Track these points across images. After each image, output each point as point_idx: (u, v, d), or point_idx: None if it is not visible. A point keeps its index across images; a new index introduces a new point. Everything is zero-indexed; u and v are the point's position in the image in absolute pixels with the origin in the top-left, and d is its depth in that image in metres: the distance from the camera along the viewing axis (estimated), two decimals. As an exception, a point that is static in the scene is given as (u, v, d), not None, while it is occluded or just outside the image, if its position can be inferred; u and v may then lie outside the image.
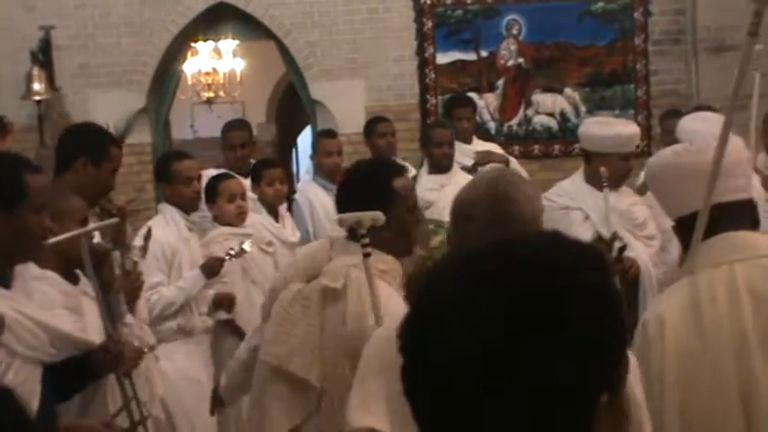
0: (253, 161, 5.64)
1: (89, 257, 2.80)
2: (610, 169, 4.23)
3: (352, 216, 2.65)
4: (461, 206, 2.08)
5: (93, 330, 2.79)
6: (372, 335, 2.19)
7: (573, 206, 4.39)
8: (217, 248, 4.53)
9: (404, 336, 0.98)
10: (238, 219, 4.71)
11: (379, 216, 2.61)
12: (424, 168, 5.61)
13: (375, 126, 6.18)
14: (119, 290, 3.15)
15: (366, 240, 2.64)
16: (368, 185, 2.79)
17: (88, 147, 3.66)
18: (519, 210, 2.01)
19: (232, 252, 4.38)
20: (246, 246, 4.41)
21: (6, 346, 2.43)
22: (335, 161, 5.78)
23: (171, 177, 4.51)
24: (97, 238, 3.10)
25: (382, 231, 2.63)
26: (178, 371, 3.99)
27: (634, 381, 1.74)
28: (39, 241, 2.56)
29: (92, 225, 3.15)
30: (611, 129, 4.40)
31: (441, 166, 5.45)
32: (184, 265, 4.38)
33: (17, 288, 2.56)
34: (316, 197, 5.70)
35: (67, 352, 2.64)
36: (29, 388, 2.46)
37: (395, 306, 2.51)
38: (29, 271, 2.61)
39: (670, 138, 5.98)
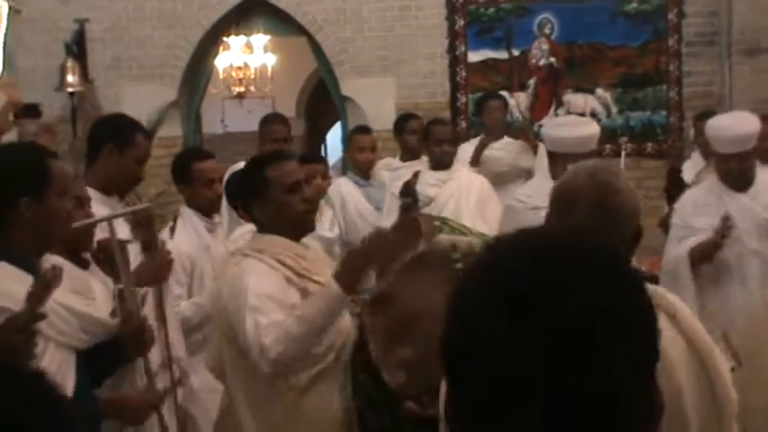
0: None
1: (117, 242, 2.89)
2: None
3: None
4: (564, 192, 2.06)
5: (103, 314, 2.82)
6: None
7: (543, 206, 4.37)
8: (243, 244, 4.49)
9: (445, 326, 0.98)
10: None
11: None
12: (425, 164, 5.55)
13: (406, 123, 6.18)
14: (150, 280, 3.21)
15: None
16: (245, 176, 3.26)
17: (114, 134, 3.66)
18: (623, 200, 2.01)
19: None
20: None
21: (39, 331, 2.46)
22: (368, 157, 5.82)
23: (191, 178, 4.19)
24: (121, 234, 3.14)
25: (261, 216, 3.14)
26: (204, 383, 3.79)
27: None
28: (65, 226, 2.61)
29: (120, 210, 3.19)
30: (571, 131, 4.40)
31: (442, 163, 5.40)
32: (205, 276, 4.08)
33: None
34: (348, 192, 5.72)
35: (97, 337, 2.67)
36: (63, 374, 2.49)
37: (250, 279, 2.94)
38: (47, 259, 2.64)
39: (704, 139, 5.94)
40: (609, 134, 7.70)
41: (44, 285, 2.32)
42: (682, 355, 1.91)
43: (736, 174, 4.28)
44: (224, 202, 4.59)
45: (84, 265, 2.96)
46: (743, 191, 4.31)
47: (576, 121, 4.72)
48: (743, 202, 4.28)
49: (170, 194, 7.18)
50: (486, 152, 6.22)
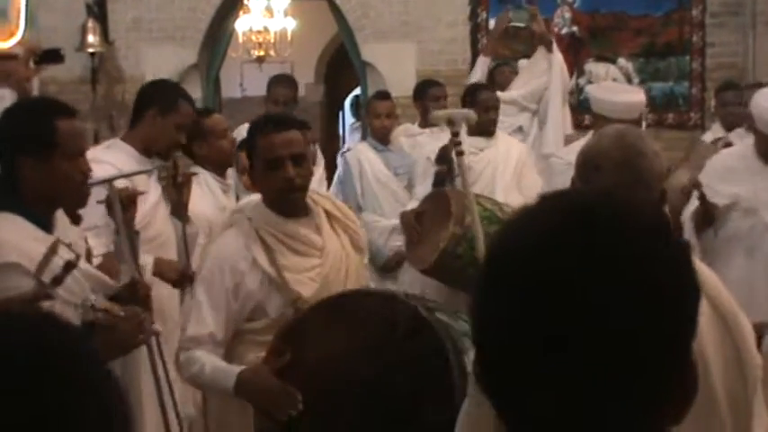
0: None
1: (117, 200, 2.93)
2: None
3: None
4: (590, 156, 2.08)
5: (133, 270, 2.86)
6: None
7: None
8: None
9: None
10: None
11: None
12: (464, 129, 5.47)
13: (428, 90, 6.14)
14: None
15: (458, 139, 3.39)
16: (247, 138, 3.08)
17: (159, 98, 3.71)
18: (649, 164, 2.04)
19: None
20: None
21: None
22: (384, 123, 5.79)
23: (205, 133, 4.27)
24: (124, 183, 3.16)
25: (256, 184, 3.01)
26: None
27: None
28: (77, 186, 2.60)
29: (128, 170, 3.20)
30: (620, 96, 4.48)
31: (487, 130, 5.23)
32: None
33: (58, 233, 2.61)
34: (366, 157, 5.72)
35: (105, 292, 2.68)
36: None
37: (205, 267, 2.87)
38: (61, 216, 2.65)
39: (725, 111, 5.91)
40: (630, 104, 7.65)
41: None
42: (707, 320, 1.91)
43: None
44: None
45: (77, 221, 2.97)
46: None
47: (625, 88, 4.73)
48: None
49: (187, 158, 7.21)
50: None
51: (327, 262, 2.80)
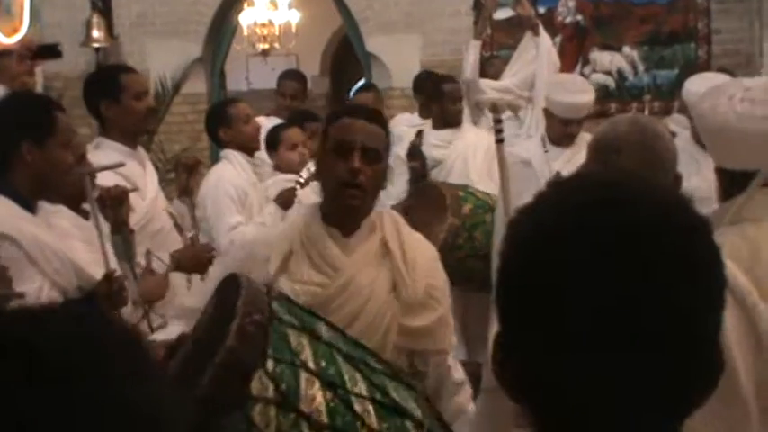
0: None
1: (92, 193, 2.90)
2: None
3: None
4: (608, 140, 2.11)
5: (93, 267, 2.83)
6: None
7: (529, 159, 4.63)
8: (275, 192, 4.52)
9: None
10: (300, 166, 4.73)
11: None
12: (428, 124, 5.36)
13: (443, 86, 6.13)
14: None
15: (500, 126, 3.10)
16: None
17: (101, 89, 3.64)
18: (666, 145, 2.09)
19: (302, 180, 4.36)
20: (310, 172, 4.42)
21: (39, 265, 2.51)
22: None
23: (230, 120, 4.50)
24: (118, 182, 3.16)
25: None
26: None
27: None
28: (63, 176, 2.69)
29: (106, 164, 3.18)
30: (567, 97, 4.54)
31: (455, 121, 5.23)
32: (255, 208, 4.35)
33: (41, 217, 2.69)
34: None
35: (83, 286, 2.71)
36: None
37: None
38: (43, 206, 2.70)
39: None
40: (635, 93, 7.65)
41: None
42: (727, 307, 1.93)
43: None
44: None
45: (85, 216, 2.98)
46: None
47: (575, 87, 4.70)
48: None
49: (194, 150, 7.22)
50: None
51: (335, 285, 2.36)
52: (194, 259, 3.55)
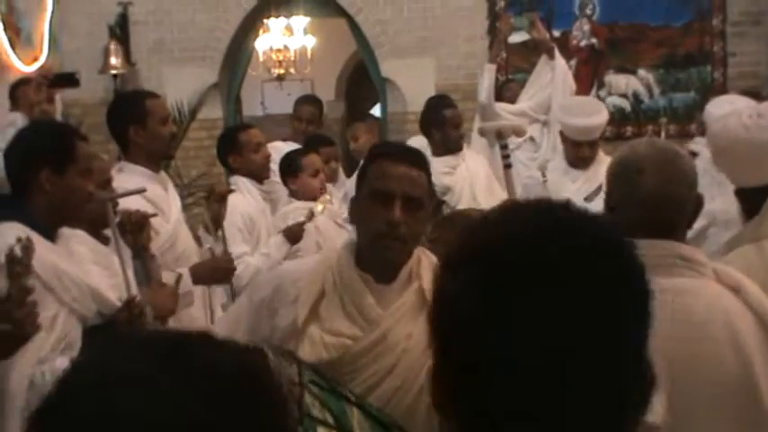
0: None
1: (114, 219, 2.93)
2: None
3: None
4: (630, 161, 2.10)
5: (112, 293, 2.84)
6: None
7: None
8: (293, 220, 4.53)
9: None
10: (320, 192, 4.71)
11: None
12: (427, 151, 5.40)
13: (443, 111, 6.15)
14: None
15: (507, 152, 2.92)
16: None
17: (128, 115, 3.66)
18: (687, 163, 2.08)
19: (316, 212, 4.35)
20: (320, 207, 4.40)
21: (56, 293, 2.52)
22: (359, 145, 5.89)
23: (240, 147, 4.45)
24: (136, 205, 3.18)
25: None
26: None
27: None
28: (83, 203, 2.70)
29: (125, 190, 3.20)
30: (578, 120, 4.59)
31: (456, 146, 5.19)
32: (263, 236, 4.33)
33: (61, 245, 2.70)
34: None
35: (103, 312, 2.71)
36: (71, 341, 2.55)
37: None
38: (63, 231, 2.71)
39: None
40: (651, 115, 7.65)
41: (18, 259, 2.33)
42: (750, 328, 1.94)
43: None
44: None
45: (105, 242, 3.00)
46: None
47: (584, 110, 4.72)
48: None
49: (210, 176, 7.25)
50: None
51: (369, 339, 2.20)
52: (213, 271, 3.58)
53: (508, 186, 3.38)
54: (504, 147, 3.47)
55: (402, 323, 2.20)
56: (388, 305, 2.23)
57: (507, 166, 3.37)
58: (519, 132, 4.38)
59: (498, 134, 3.89)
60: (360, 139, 5.92)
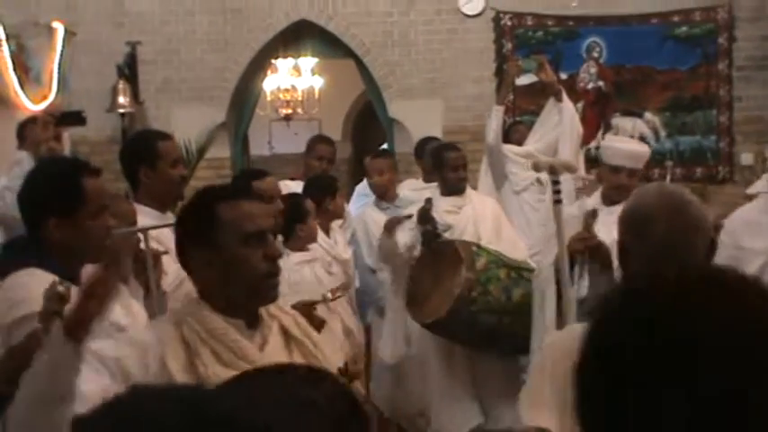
0: None
1: (149, 252, 2.94)
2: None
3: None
4: (638, 212, 2.13)
5: (141, 326, 2.81)
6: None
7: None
8: (294, 279, 4.39)
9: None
10: (314, 237, 4.68)
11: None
12: (435, 191, 5.32)
13: (426, 146, 6.16)
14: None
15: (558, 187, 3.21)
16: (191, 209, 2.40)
17: (141, 155, 3.65)
18: (696, 209, 2.10)
19: (328, 296, 4.12)
20: (329, 294, 4.13)
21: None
22: (383, 180, 5.84)
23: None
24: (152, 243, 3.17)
25: (205, 274, 2.26)
26: None
27: None
28: (101, 242, 2.61)
29: (150, 224, 3.20)
30: (626, 144, 4.72)
31: (456, 188, 5.20)
32: None
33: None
34: (371, 219, 5.72)
35: None
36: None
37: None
38: (86, 269, 2.67)
39: None
40: (658, 158, 7.61)
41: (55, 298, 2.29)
42: None
43: None
44: None
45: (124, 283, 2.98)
46: None
47: (631, 141, 4.80)
48: None
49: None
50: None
51: None
52: None
53: (557, 221, 3.47)
54: (555, 182, 3.58)
55: (280, 359, 2.14)
56: (262, 347, 2.17)
57: (558, 201, 3.49)
58: (571, 169, 4.44)
59: (551, 169, 3.96)
60: (384, 174, 5.87)
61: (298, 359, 2.17)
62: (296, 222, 4.56)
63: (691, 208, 2.08)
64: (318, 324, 3.79)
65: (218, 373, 2.06)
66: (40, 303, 2.29)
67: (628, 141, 4.65)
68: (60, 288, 2.19)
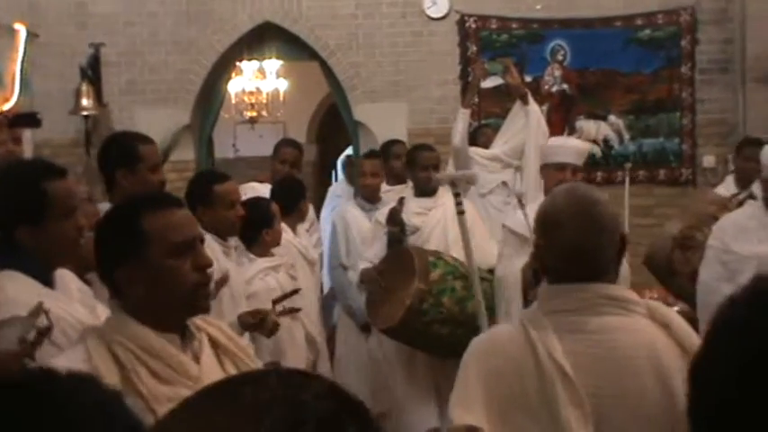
0: None
1: None
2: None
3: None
4: (547, 214, 2.20)
5: None
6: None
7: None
8: (259, 286, 4.38)
9: None
10: (278, 242, 4.65)
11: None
12: (410, 191, 5.36)
13: (391, 148, 6.16)
14: None
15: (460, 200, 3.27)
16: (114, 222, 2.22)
17: (119, 157, 3.59)
18: (603, 208, 2.16)
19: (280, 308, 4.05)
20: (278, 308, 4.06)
21: (53, 340, 2.46)
22: (369, 181, 5.83)
23: (212, 201, 4.01)
24: None
25: (129, 288, 2.11)
26: None
27: None
28: (72, 245, 2.58)
29: None
30: (565, 141, 4.80)
31: (426, 189, 5.18)
32: (224, 300, 3.94)
33: (60, 288, 2.61)
34: (352, 216, 5.74)
35: None
36: None
37: None
38: (58, 273, 2.64)
39: (750, 165, 5.62)
40: (621, 161, 7.70)
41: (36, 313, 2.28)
42: (676, 363, 2.04)
43: None
44: None
45: (88, 285, 2.94)
46: None
47: (573, 138, 4.89)
48: None
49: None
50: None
51: None
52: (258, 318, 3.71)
53: (462, 232, 3.68)
54: (457, 195, 3.73)
55: (215, 373, 2.06)
56: (197, 360, 2.09)
57: (461, 213, 3.69)
58: (471, 181, 4.50)
59: (451, 183, 4.04)
60: (377, 176, 5.87)
61: (231, 370, 2.11)
62: (262, 227, 4.50)
63: (597, 208, 2.15)
64: (272, 328, 3.81)
65: (158, 390, 1.98)
66: (19, 307, 2.30)
67: (571, 139, 4.72)
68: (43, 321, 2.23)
